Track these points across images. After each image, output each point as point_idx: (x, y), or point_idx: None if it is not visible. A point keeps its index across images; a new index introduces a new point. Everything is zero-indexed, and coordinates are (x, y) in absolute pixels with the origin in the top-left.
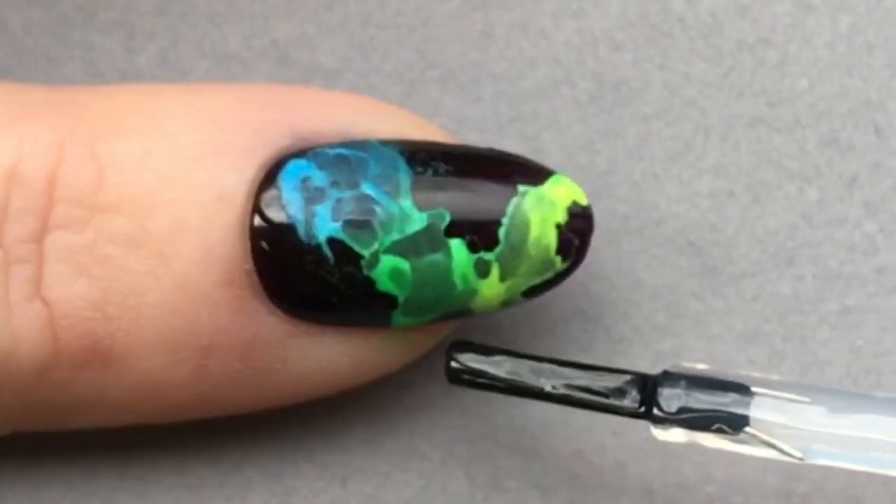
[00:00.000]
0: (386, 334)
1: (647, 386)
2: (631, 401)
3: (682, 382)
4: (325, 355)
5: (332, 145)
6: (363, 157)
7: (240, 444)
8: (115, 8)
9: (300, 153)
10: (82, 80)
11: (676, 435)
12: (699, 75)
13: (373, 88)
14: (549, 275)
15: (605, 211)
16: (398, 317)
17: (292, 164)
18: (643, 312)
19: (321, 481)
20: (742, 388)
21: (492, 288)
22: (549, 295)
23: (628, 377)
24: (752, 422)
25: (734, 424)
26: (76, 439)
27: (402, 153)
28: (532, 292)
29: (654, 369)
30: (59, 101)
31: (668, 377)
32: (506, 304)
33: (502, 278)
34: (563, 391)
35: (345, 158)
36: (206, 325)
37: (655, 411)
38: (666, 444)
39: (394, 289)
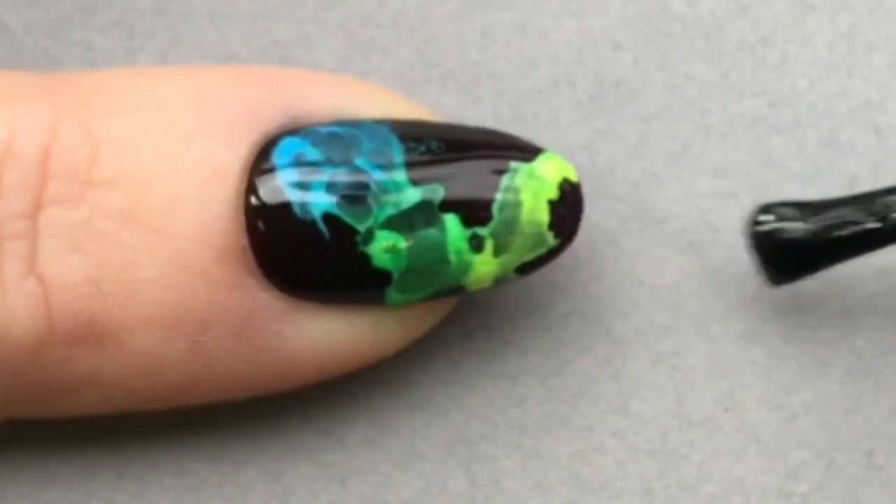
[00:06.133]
0: (381, 312)
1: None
2: None
3: None
4: (320, 333)
5: (324, 123)
6: (355, 133)
7: (240, 444)
8: (114, 7)
9: (293, 131)
10: None
11: None
12: (699, 75)
13: None
14: (541, 251)
15: (605, 211)
16: (392, 293)
17: (286, 141)
18: (643, 312)
19: (321, 481)
20: None
21: (486, 264)
22: (549, 295)
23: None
24: None
25: None
26: (76, 439)
27: (393, 130)
28: (525, 268)
29: (654, 369)
30: (52, 81)
31: None
32: (499, 280)
33: (496, 253)
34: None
35: (337, 135)
36: (202, 302)
37: None
38: (666, 443)
39: (388, 264)
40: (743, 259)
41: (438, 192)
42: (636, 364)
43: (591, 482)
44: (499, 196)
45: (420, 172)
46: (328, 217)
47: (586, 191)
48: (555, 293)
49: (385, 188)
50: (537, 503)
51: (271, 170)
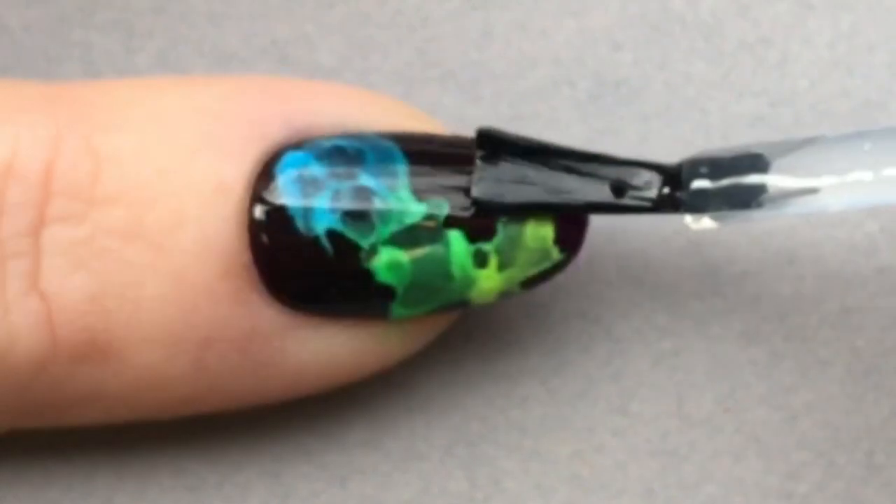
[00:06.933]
0: (384, 326)
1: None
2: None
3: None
4: (323, 347)
5: (328, 137)
6: (360, 147)
7: (239, 445)
8: (113, 7)
9: (297, 145)
10: (81, 79)
11: (707, 223)
12: (699, 75)
13: (372, 88)
14: (546, 265)
15: None
16: (396, 308)
17: (290, 156)
18: (643, 312)
19: (321, 481)
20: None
21: (490, 279)
22: (549, 295)
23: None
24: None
25: (754, 195)
26: (75, 440)
27: (398, 144)
28: (530, 283)
29: (654, 370)
30: (55, 95)
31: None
32: (504, 295)
33: (500, 268)
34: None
35: (342, 149)
36: (205, 317)
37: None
38: (666, 443)
39: (392, 280)
40: (743, 259)
41: (443, 208)
42: (636, 364)
43: (591, 482)
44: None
45: (424, 187)
46: (331, 233)
47: None
48: (555, 293)
49: (389, 204)
50: (537, 503)
51: (274, 184)
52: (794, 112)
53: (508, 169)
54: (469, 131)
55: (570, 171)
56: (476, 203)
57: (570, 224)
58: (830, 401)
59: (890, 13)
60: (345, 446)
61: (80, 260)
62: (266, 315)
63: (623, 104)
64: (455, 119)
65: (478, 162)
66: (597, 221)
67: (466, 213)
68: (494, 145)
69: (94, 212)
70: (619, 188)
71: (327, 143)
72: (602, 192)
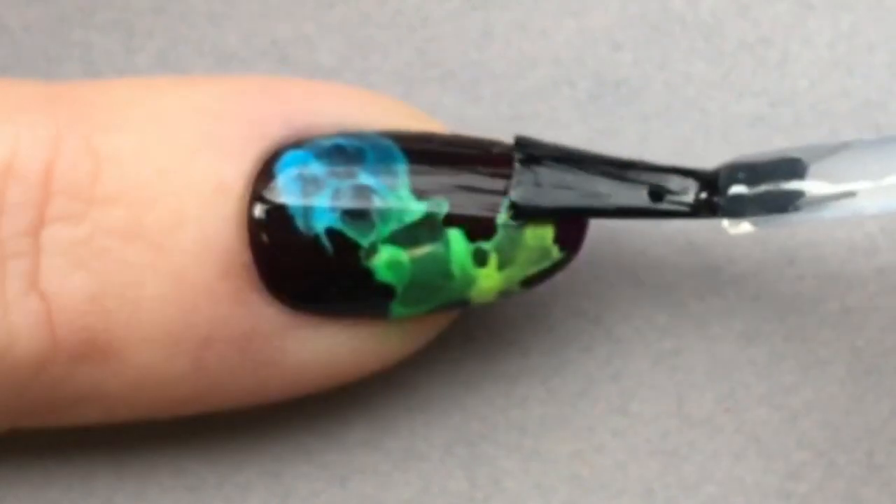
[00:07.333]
0: (384, 325)
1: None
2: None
3: (740, 175)
4: (323, 346)
5: (328, 136)
6: (360, 146)
7: (239, 445)
8: (113, 7)
9: (297, 144)
10: (81, 79)
11: (745, 227)
12: (699, 75)
13: (372, 88)
14: (546, 264)
15: None
16: (396, 307)
17: (290, 155)
18: (643, 312)
19: (321, 481)
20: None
21: (490, 278)
22: (549, 295)
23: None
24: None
25: (791, 199)
26: (75, 440)
27: (398, 142)
28: (530, 282)
29: (654, 370)
30: (55, 95)
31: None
32: (504, 294)
33: (500, 267)
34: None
35: (341, 148)
36: (205, 317)
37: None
38: (666, 443)
39: (392, 279)
40: (743, 259)
41: (443, 207)
42: (636, 364)
43: (591, 482)
44: (503, 209)
45: (424, 186)
46: (330, 232)
47: None
48: (555, 293)
49: (388, 203)
50: (537, 503)
51: (274, 184)
52: (794, 112)
53: (546, 173)
54: (469, 131)
55: (607, 175)
56: (515, 207)
57: (570, 223)
58: (830, 401)
59: (890, 13)
60: (345, 446)
61: (79, 260)
62: (266, 315)
63: (623, 104)
64: (455, 119)
65: (516, 166)
66: (596, 221)
67: (507, 217)
68: (532, 150)
69: (94, 212)
70: (657, 193)
71: (327, 142)
72: (640, 197)
